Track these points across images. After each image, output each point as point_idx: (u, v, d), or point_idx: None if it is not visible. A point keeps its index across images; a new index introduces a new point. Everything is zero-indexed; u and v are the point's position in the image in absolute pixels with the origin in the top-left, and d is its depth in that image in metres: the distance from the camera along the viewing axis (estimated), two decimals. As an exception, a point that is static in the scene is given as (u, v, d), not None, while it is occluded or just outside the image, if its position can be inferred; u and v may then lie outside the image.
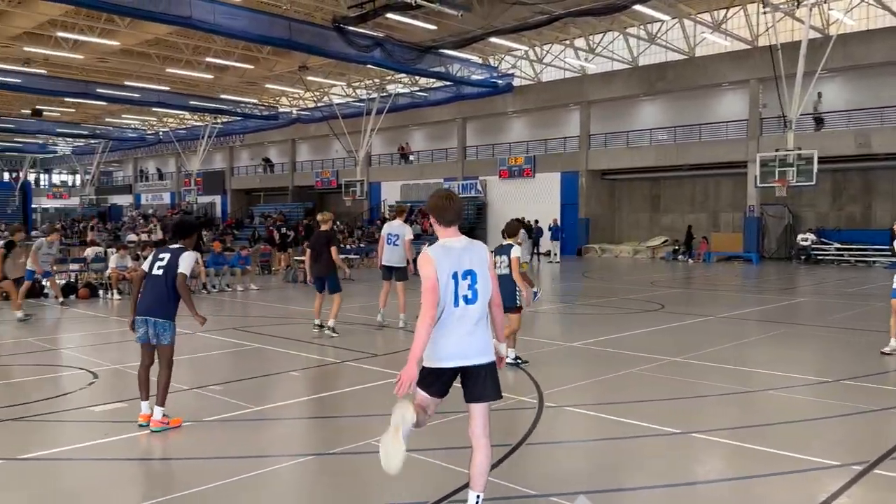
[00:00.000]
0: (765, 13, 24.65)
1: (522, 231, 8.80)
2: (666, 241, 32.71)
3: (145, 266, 6.32)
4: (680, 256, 30.13)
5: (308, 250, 11.60)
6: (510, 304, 7.49)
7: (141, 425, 6.06)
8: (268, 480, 4.96)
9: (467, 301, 3.92)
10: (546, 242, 30.90)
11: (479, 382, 3.96)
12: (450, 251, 3.96)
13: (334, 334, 10.68)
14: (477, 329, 3.96)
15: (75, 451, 5.58)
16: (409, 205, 23.07)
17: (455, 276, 3.91)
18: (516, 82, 35.36)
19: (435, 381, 3.98)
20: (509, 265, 7.94)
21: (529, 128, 37.78)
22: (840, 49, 24.28)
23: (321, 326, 10.95)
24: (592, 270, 25.30)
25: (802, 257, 27.49)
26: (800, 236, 28.18)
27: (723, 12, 27.50)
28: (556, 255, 30.01)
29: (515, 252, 8.06)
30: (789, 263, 27.68)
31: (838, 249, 27.28)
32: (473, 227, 36.05)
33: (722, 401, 7.16)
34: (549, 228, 30.60)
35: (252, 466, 5.16)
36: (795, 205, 29.78)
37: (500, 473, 4.88)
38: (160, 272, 6.11)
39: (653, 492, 4.82)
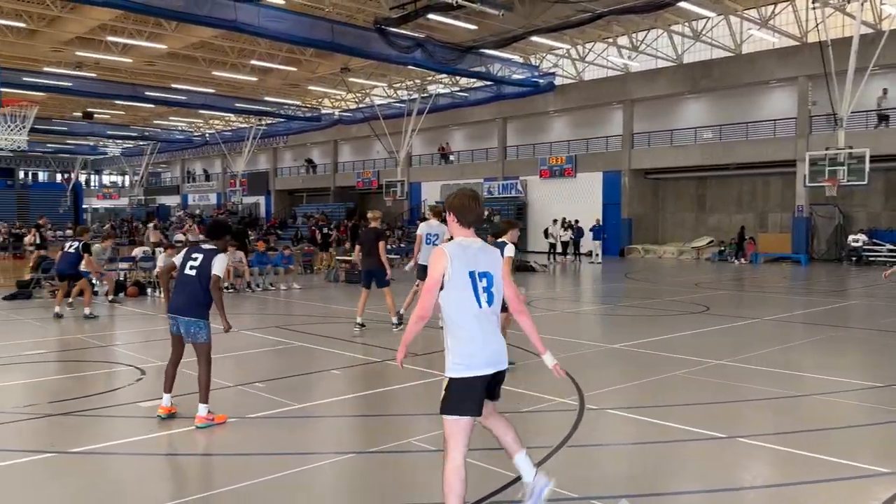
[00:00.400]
0: (814, 9, 24.06)
1: (516, 231, 8.50)
2: (711, 241, 32.14)
3: (177, 260, 6.40)
4: (729, 258, 29.56)
5: (357, 246, 11.85)
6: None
7: (161, 417, 6.23)
8: (310, 477, 5.03)
9: (487, 303, 3.86)
10: (588, 243, 30.63)
11: (498, 385, 3.97)
12: (466, 249, 3.89)
13: (400, 325, 11.07)
14: (500, 333, 3.98)
15: (123, 446, 5.74)
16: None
17: (472, 275, 3.82)
18: (558, 81, 35.08)
19: (473, 390, 3.77)
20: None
21: (571, 127, 37.49)
22: (893, 45, 23.54)
23: (363, 325, 11.16)
24: (635, 271, 25.00)
25: (853, 259, 26.74)
26: (851, 237, 27.43)
27: (770, 8, 26.91)
28: (597, 255, 29.72)
29: (509, 251, 7.73)
30: (839, 265, 26.95)
31: (891, 250, 26.47)
32: (514, 227, 35.84)
33: (767, 405, 7.00)
34: (591, 229, 30.32)
35: (295, 463, 5.24)
36: (846, 205, 28.99)
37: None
38: (193, 272, 6.16)
39: (695, 497, 4.75)
